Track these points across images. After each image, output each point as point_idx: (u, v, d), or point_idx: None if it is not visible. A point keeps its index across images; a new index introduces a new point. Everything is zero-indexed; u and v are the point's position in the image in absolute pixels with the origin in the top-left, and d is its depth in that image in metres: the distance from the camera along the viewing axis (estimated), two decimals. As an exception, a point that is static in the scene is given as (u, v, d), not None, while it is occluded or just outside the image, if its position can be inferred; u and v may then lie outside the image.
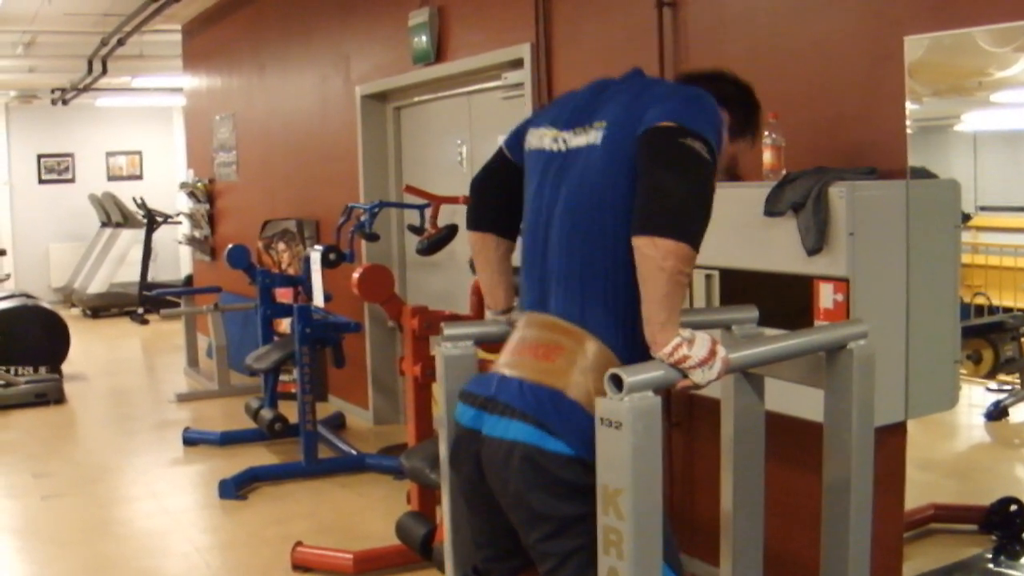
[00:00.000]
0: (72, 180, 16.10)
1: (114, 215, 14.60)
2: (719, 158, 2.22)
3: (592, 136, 2.30)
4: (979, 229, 3.52)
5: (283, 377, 7.11)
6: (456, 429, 2.44)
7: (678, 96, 2.26)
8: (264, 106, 8.99)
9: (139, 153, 16.57)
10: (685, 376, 2.06)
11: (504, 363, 2.36)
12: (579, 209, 2.29)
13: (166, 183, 15.59)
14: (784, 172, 3.47)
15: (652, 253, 2.03)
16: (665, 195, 2.06)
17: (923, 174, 3.37)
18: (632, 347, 2.21)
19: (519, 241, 2.54)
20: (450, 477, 2.62)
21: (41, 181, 16.01)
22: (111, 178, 16.26)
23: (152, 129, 16.51)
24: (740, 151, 2.60)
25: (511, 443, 2.22)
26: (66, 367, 9.23)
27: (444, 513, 2.73)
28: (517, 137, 2.58)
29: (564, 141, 2.37)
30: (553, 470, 2.18)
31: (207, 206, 10.74)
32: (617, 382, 1.96)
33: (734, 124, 2.52)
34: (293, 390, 6.55)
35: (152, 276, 14.14)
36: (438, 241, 4.88)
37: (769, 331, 2.81)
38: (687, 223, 2.06)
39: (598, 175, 2.26)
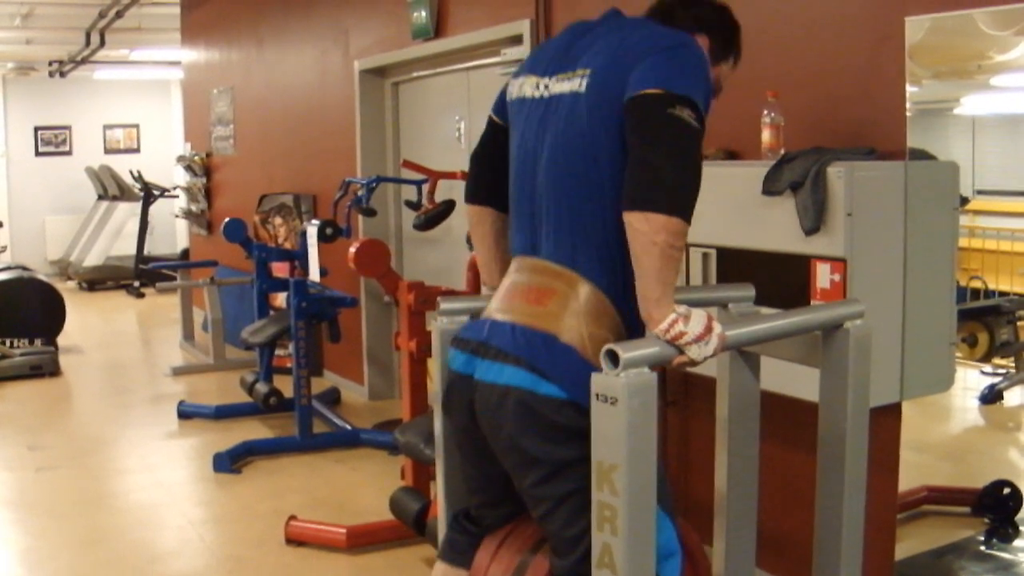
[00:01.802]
0: (69, 153, 16.06)
1: (111, 188, 14.57)
2: (707, 115, 2.20)
3: (576, 83, 2.28)
4: (976, 213, 3.51)
5: (278, 351, 7.11)
6: (448, 375, 2.44)
7: (661, 50, 2.22)
8: (262, 80, 8.96)
9: (136, 126, 16.53)
10: (681, 352, 2.06)
11: (496, 308, 2.35)
12: (567, 156, 2.28)
13: (163, 156, 15.53)
14: (783, 151, 3.46)
15: (644, 228, 2.03)
16: (655, 170, 2.06)
17: (922, 156, 3.37)
18: (624, 291, 2.20)
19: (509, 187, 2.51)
20: (443, 423, 2.62)
21: (38, 153, 15.96)
22: (108, 151, 16.22)
23: (150, 102, 16.46)
24: (722, 75, 2.56)
25: (504, 387, 2.22)
26: (61, 340, 9.22)
27: (437, 461, 2.73)
28: (502, 98, 2.58)
29: (546, 87, 2.36)
30: (547, 414, 2.18)
31: (204, 180, 10.71)
32: (613, 357, 1.96)
33: (714, 48, 2.49)
34: (288, 364, 6.56)
35: (148, 249, 14.12)
36: (435, 216, 4.88)
37: (765, 310, 2.81)
38: (678, 197, 2.06)
39: (583, 125, 2.25)
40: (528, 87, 2.42)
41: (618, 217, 2.13)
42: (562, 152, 2.29)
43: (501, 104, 2.59)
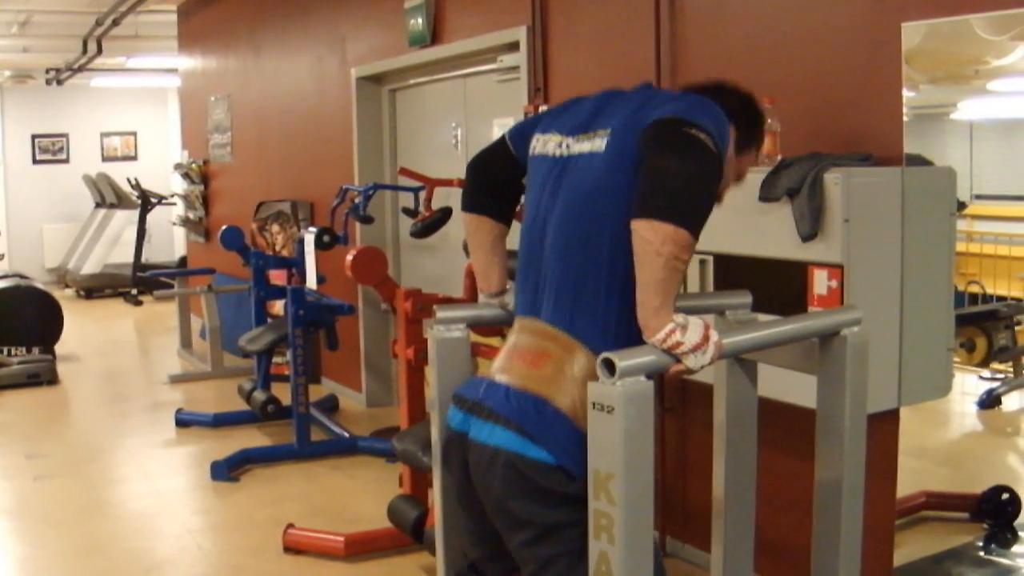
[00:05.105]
0: (66, 161, 16.05)
1: (108, 196, 14.56)
2: (725, 157, 2.20)
3: (595, 143, 2.27)
4: (974, 217, 3.51)
5: (276, 359, 7.11)
6: (447, 431, 2.45)
7: (684, 99, 2.26)
8: (259, 87, 8.96)
9: (134, 134, 16.52)
10: (678, 361, 2.05)
11: (495, 368, 2.36)
12: (576, 215, 2.27)
13: (161, 164, 15.57)
14: (780, 158, 3.46)
15: (650, 237, 2.01)
16: (666, 178, 2.04)
17: (919, 161, 3.37)
18: None
19: (518, 245, 2.50)
20: (441, 476, 2.63)
21: (35, 161, 15.94)
22: (105, 159, 16.20)
23: (147, 110, 16.45)
24: (745, 164, 2.53)
25: (494, 449, 2.23)
26: (59, 348, 9.21)
27: (436, 506, 2.73)
28: (522, 135, 2.55)
29: (567, 147, 2.35)
30: (534, 477, 2.18)
31: (201, 187, 10.71)
32: (610, 366, 1.95)
33: (738, 137, 2.43)
34: (286, 372, 6.55)
35: (146, 257, 14.09)
36: (432, 224, 4.88)
37: (763, 317, 2.80)
38: (687, 208, 2.04)
39: (597, 181, 2.24)
40: (551, 145, 2.40)
41: (621, 287, 2.14)
42: (571, 211, 2.28)
43: (520, 138, 2.55)
